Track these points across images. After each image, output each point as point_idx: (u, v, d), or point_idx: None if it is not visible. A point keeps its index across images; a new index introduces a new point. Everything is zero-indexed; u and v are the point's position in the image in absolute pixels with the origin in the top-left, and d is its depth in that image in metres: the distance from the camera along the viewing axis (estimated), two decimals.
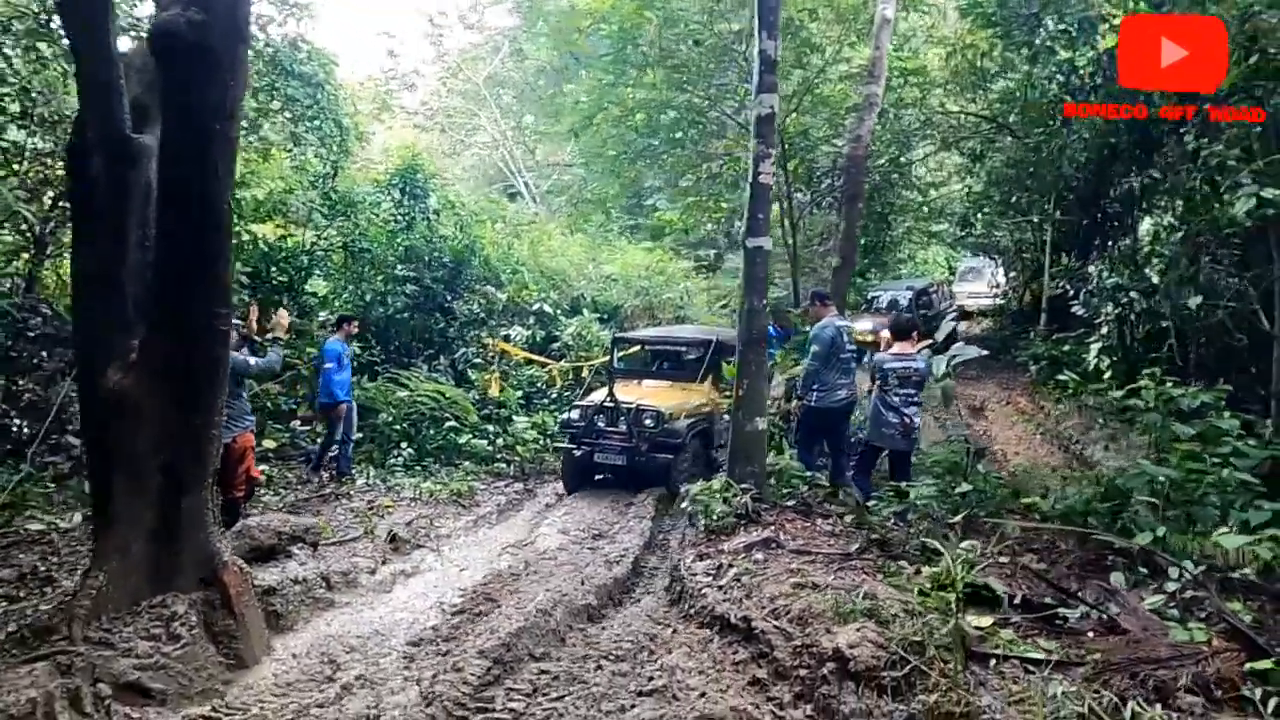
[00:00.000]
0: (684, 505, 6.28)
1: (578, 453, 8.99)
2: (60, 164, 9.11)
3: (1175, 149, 10.30)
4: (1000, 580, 4.51)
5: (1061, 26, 10.39)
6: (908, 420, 6.45)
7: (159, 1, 5.26)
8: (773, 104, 6.28)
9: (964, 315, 17.20)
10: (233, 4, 4.85)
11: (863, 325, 9.85)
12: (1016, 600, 4.22)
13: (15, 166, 9.09)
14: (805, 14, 10.59)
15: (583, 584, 5.88)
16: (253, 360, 6.72)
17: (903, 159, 13.59)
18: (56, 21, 8.59)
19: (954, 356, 6.28)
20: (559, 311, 13.68)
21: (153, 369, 4.79)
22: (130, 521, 4.62)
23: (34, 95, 8.49)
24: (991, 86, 13.79)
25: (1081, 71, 10.48)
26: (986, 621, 4.03)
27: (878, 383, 6.47)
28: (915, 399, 6.49)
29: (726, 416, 8.59)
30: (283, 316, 7.33)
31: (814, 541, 5.64)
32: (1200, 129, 7.70)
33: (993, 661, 3.73)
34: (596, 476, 9.40)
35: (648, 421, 8.47)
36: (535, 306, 13.45)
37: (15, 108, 8.68)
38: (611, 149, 13.36)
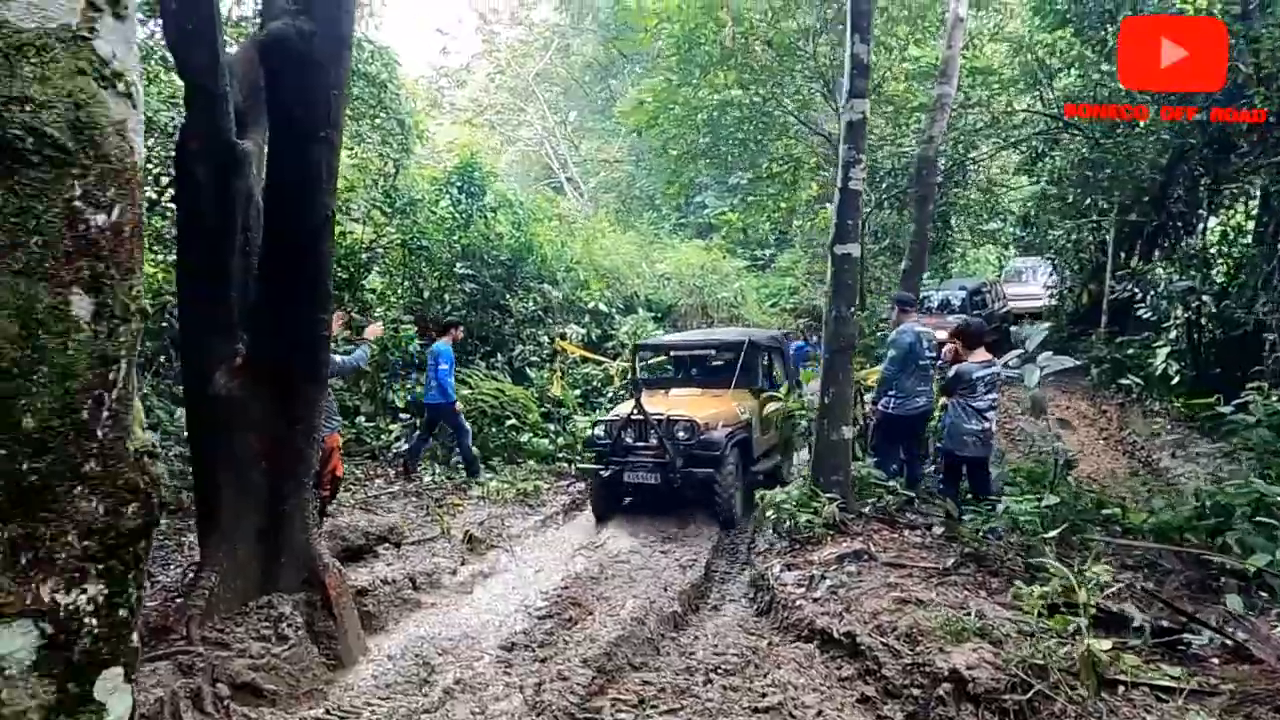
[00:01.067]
0: (768, 514, 6.22)
1: (606, 473, 7.83)
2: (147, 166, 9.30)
3: (1256, 148, 10.01)
4: (1114, 601, 4.40)
5: None
6: (987, 427, 6.34)
7: (267, 11, 5.32)
8: (864, 109, 6.17)
9: (1014, 318, 16.87)
10: (338, 14, 4.89)
11: (917, 328, 9.71)
12: (1136, 624, 4.11)
13: None
14: (875, 13, 10.43)
15: (665, 590, 5.87)
16: (338, 358, 6.80)
17: (967, 159, 13.34)
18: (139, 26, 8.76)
19: (1045, 366, 6.14)
20: (614, 309, 13.66)
21: (257, 372, 4.85)
22: (237, 523, 4.70)
23: None
24: (1054, 84, 13.50)
25: None
26: (1106, 645, 3.93)
27: (962, 390, 6.36)
28: (994, 405, 6.38)
29: (762, 426, 8.36)
30: (376, 329, 7.50)
31: (906, 554, 5.56)
32: None
33: (1120, 689, 3.64)
34: (628, 500, 8.41)
35: (681, 434, 7.61)
36: (590, 305, 13.45)
37: None
38: (673, 148, 13.30)
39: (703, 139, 12.67)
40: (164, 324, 9.54)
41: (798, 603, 5.02)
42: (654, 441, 7.68)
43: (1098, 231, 14.66)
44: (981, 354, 6.32)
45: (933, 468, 7.46)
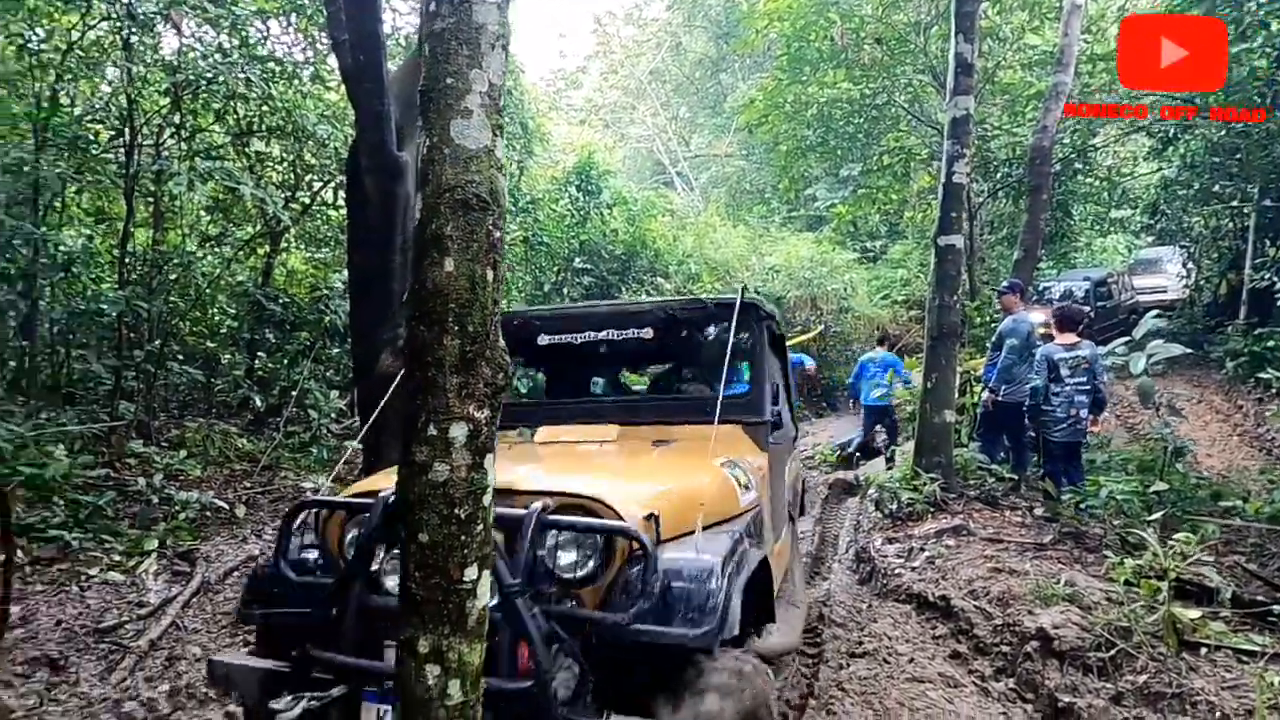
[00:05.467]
0: (870, 493, 6.59)
1: (313, 703, 2.23)
2: (294, 170, 10.52)
3: None
4: (1205, 577, 4.57)
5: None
6: (1076, 412, 6.45)
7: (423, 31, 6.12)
8: (968, 106, 6.42)
9: (1142, 310, 16.20)
10: None
11: (1036, 318, 9.72)
12: (1226, 596, 4.29)
13: (256, 171, 10.47)
14: (990, 3, 10.46)
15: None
16: None
17: (1087, 146, 13.03)
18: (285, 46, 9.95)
19: (1153, 354, 6.23)
20: None
21: None
22: None
23: (279, 113, 9.77)
24: None
25: None
26: (1195, 614, 4.15)
27: (1047, 373, 6.51)
28: (1084, 389, 6.45)
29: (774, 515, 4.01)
30: None
31: (1004, 531, 5.82)
32: None
33: (1203, 650, 3.87)
34: None
35: (569, 556, 2.35)
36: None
37: (266, 122, 10.03)
38: (784, 144, 13.65)
39: (813, 134, 12.96)
40: (319, 315, 10.70)
41: (896, 571, 5.40)
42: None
43: (1238, 218, 13.96)
44: (1070, 337, 6.46)
45: (1038, 457, 7.58)
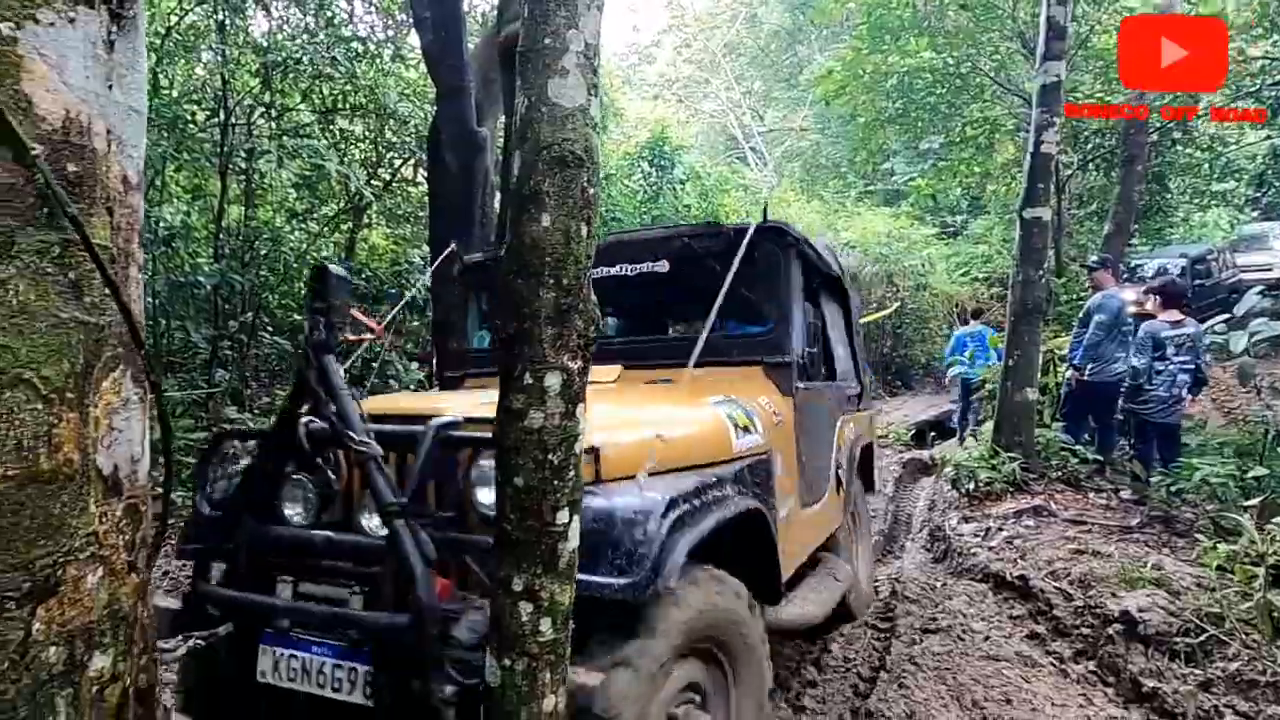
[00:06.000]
0: (947, 472, 6.47)
1: (198, 643, 2.08)
2: (376, 147, 10.82)
3: None
4: None
5: None
6: (1179, 391, 6.17)
7: (503, 14, 6.22)
8: (1059, 72, 6.16)
9: (1245, 289, 15.28)
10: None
11: (1126, 295, 9.27)
12: None
13: (340, 148, 10.80)
14: None
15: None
16: None
17: (1186, 114, 12.34)
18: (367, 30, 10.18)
19: (1255, 332, 5.90)
20: None
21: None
22: None
23: (362, 92, 10.04)
24: None
25: None
26: None
27: (1152, 351, 6.23)
28: (1188, 368, 6.17)
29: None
30: None
31: (1088, 513, 5.65)
32: None
33: None
34: None
35: (485, 497, 2.03)
36: None
37: (350, 100, 10.32)
38: (862, 115, 13.34)
39: (892, 105, 12.61)
40: (400, 288, 11.03)
41: (973, 550, 5.31)
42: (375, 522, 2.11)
43: None
44: (1174, 314, 6.17)
45: (1126, 440, 7.29)
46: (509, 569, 1.41)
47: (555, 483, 1.37)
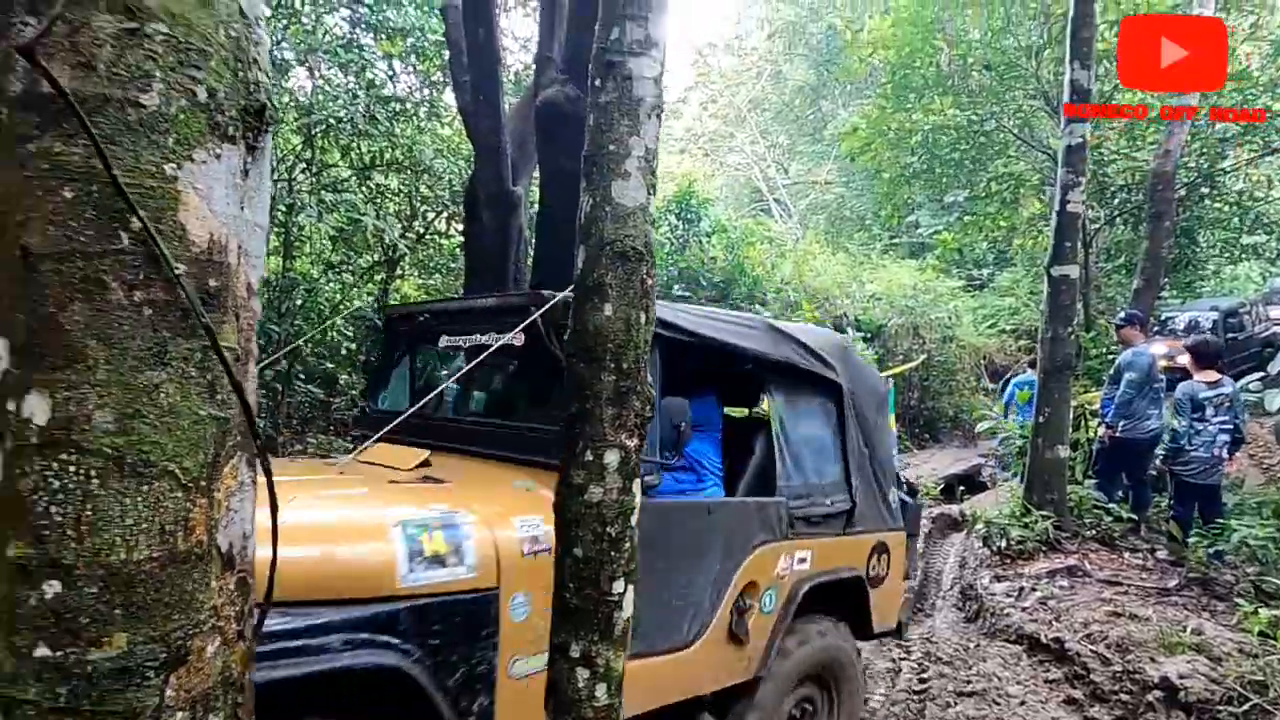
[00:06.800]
0: (978, 528, 6.43)
1: None
2: (410, 201, 11.14)
3: None
4: None
5: None
6: (1218, 452, 6.10)
7: (539, 80, 6.46)
8: (1084, 133, 6.26)
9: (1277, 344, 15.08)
10: None
11: (1157, 350, 9.19)
12: None
13: (376, 202, 11.12)
14: (1105, 25, 10.11)
15: None
16: None
17: (1216, 170, 12.35)
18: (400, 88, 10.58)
19: None
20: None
21: None
22: None
23: (399, 149, 10.38)
24: None
25: None
26: None
27: (1191, 413, 6.18)
28: (1227, 428, 6.11)
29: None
30: None
31: (1123, 573, 5.58)
32: None
33: None
34: None
35: None
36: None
37: (387, 157, 10.68)
38: (886, 171, 13.51)
39: (917, 160, 12.77)
40: None
41: (1006, 610, 5.25)
42: None
43: None
44: (1211, 374, 6.13)
45: (1160, 497, 7.19)
46: (566, 636, 1.49)
47: (612, 554, 1.45)
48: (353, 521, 2.23)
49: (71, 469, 0.84)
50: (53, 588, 0.83)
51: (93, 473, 0.84)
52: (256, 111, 0.95)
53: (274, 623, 1.59)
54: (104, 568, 0.84)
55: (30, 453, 0.83)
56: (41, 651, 0.82)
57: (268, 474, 1.00)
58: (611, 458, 1.42)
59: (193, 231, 0.87)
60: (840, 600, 3.52)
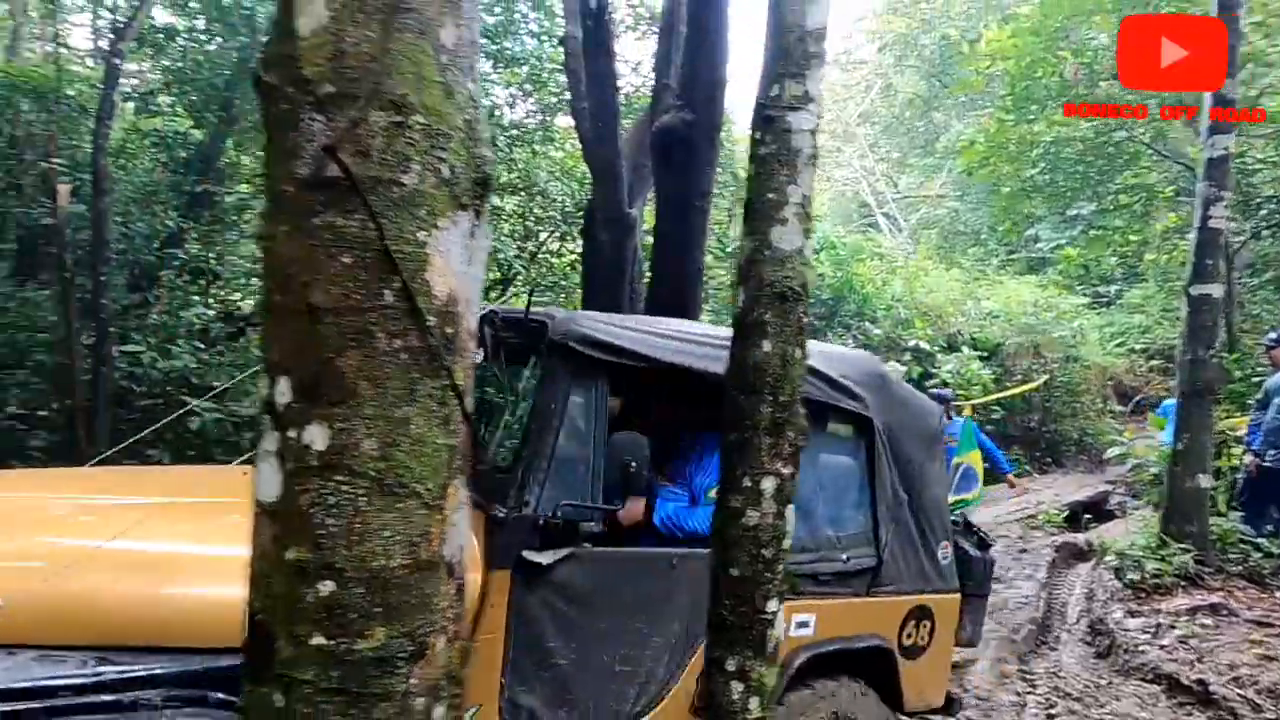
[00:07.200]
0: (1108, 559, 6.14)
1: None
2: (524, 222, 11.58)
3: None
4: None
5: None
6: None
7: (656, 105, 6.66)
8: (1227, 145, 5.93)
9: None
10: (713, 105, 6.05)
11: None
12: None
13: (493, 223, 11.59)
14: (1251, 27, 9.48)
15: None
16: None
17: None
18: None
19: None
20: (936, 348, 13.62)
21: None
22: None
23: (517, 172, 10.81)
24: None
25: None
26: None
27: None
28: None
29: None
30: None
31: (1275, 614, 5.22)
32: None
33: None
34: None
35: None
36: (911, 343, 13.56)
37: (504, 180, 11.12)
38: (1006, 186, 13.05)
39: (1039, 174, 12.28)
40: None
41: (1141, 647, 5.01)
42: None
43: None
44: None
45: None
46: (722, 650, 1.59)
47: (767, 574, 1.55)
48: (216, 562, 2.01)
49: (345, 488, 1.01)
50: (327, 587, 1.00)
51: (360, 491, 1.01)
52: (483, 182, 1.11)
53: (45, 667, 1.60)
54: (368, 571, 1.01)
55: (310, 474, 1.01)
56: (318, 640, 0.99)
57: (483, 493, 1.15)
58: (768, 484, 1.52)
59: (436, 287, 1.04)
60: (868, 667, 3.08)
